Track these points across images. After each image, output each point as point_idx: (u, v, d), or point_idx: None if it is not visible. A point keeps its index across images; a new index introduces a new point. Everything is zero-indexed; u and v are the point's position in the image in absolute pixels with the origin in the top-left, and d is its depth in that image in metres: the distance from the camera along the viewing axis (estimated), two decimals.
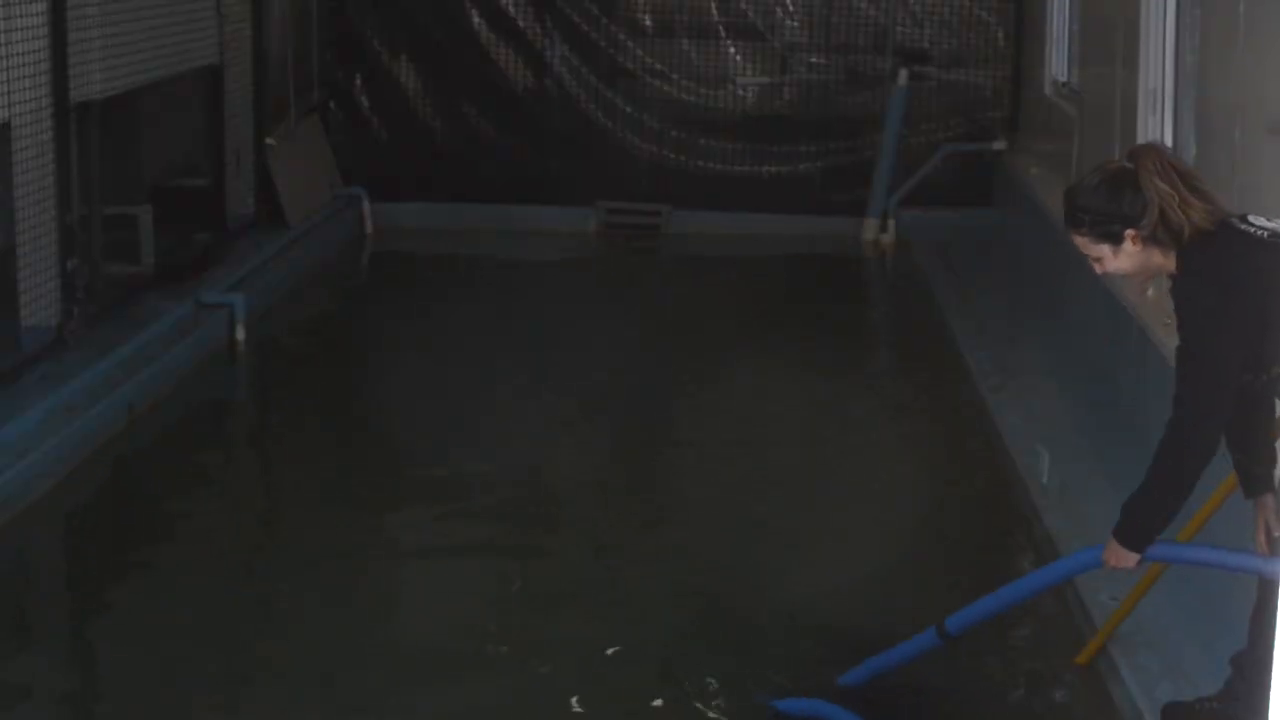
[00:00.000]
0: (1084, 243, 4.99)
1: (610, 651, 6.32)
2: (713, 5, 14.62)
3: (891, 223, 14.22)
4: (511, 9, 14.54)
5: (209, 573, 7.19)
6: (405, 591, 7.03)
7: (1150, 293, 7.39)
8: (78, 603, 7.14)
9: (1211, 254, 4.84)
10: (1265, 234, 4.86)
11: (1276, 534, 5.11)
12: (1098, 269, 5.05)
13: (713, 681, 6.06)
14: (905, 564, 7.28)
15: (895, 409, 9.88)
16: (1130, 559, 5.02)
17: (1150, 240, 4.88)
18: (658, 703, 5.95)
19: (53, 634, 6.72)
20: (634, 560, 7.41)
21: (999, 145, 14.23)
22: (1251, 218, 4.95)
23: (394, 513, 7.94)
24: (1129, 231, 4.89)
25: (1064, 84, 12.63)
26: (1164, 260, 4.93)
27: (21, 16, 8.60)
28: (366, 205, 14.15)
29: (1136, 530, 4.99)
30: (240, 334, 10.46)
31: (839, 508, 8.07)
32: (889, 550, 7.44)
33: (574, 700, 5.94)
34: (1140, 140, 9.50)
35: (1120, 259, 4.95)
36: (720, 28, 14.64)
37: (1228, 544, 5.90)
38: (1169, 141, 9.21)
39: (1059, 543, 6.96)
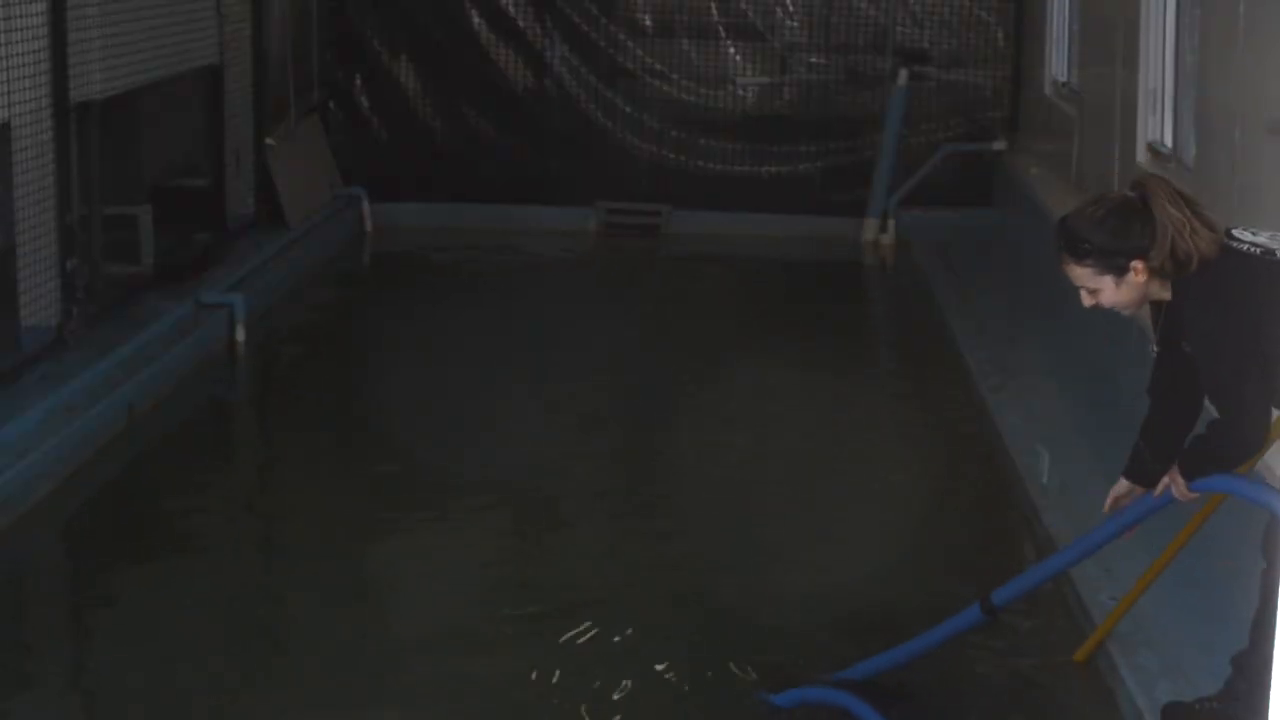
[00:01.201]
0: (1085, 274, 4.97)
1: (611, 653, 6.32)
2: (713, 5, 14.62)
3: (891, 223, 14.22)
4: (511, 9, 14.54)
5: (209, 573, 7.19)
6: (405, 591, 7.02)
7: None
8: (78, 603, 7.14)
9: (1208, 281, 4.87)
10: (1259, 250, 4.89)
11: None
12: (1088, 301, 5.04)
13: (713, 680, 6.06)
14: (905, 564, 7.28)
15: (895, 409, 9.88)
16: (1182, 488, 5.11)
17: (1155, 272, 4.90)
18: (659, 703, 5.94)
19: (53, 634, 6.72)
20: (634, 559, 7.40)
21: (999, 145, 14.24)
22: (1236, 232, 4.97)
23: (394, 512, 7.93)
24: (1135, 263, 4.89)
25: (1064, 84, 12.63)
26: (1160, 290, 4.96)
27: (21, 16, 8.60)
28: (366, 205, 14.15)
29: (1195, 465, 5.09)
30: (240, 334, 10.46)
31: (839, 507, 8.07)
32: (889, 550, 7.44)
33: (574, 701, 5.94)
34: (1140, 140, 9.52)
35: (1122, 291, 4.96)
36: (720, 28, 14.65)
37: (1228, 544, 5.91)
38: (1168, 141, 9.22)
39: (1059, 543, 6.95)
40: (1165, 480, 5.17)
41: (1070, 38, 12.58)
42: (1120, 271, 4.91)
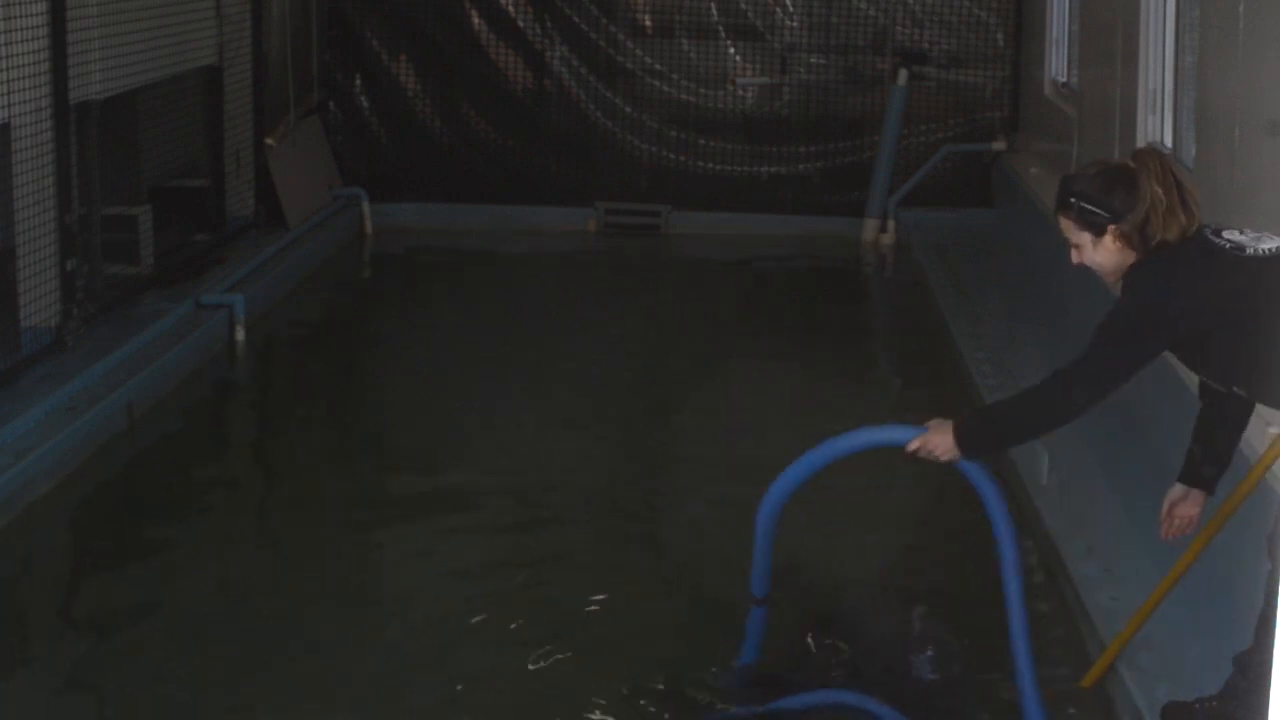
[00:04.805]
0: (1068, 226, 5.09)
1: (611, 655, 6.32)
2: (713, 5, 14.63)
3: (891, 223, 14.23)
4: (511, 9, 14.55)
5: (209, 573, 7.19)
6: (406, 592, 7.03)
7: None
8: (77, 604, 7.14)
9: (1156, 260, 4.94)
10: (1229, 245, 4.92)
11: (1177, 525, 5.38)
12: (1075, 257, 5.14)
13: (713, 682, 6.06)
14: (903, 563, 7.28)
15: (894, 409, 9.87)
16: (949, 452, 5.21)
17: (1126, 241, 4.97)
18: (658, 702, 5.94)
19: (52, 635, 6.72)
20: (632, 558, 7.41)
21: (999, 145, 14.25)
22: (1225, 232, 4.99)
23: (394, 512, 7.94)
24: (1111, 226, 4.97)
25: (1063, 84, 12.63)
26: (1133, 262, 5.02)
27: (21, 17, 8.61)
28: (366, 205, 14.16)
29: (977, 439, 5.22)
30: (240, 334, 10.47)
31: (837, 508, 8.07)
32: (887, 549, 7.44)
33: (574, 702, 5.94)
34: (1140, 141, 9.52)
35: (1098, 252, 5.05)
36: (720, 28, 14.65)
37: (1231, 546, 5.90)
38: (1168, 142, 9.22)
39: (1059, 543, 6.96)
40: (925, 438, 5.24)
41: (1070, 38, 12.58)
42: (1097, 231, 5.00)
